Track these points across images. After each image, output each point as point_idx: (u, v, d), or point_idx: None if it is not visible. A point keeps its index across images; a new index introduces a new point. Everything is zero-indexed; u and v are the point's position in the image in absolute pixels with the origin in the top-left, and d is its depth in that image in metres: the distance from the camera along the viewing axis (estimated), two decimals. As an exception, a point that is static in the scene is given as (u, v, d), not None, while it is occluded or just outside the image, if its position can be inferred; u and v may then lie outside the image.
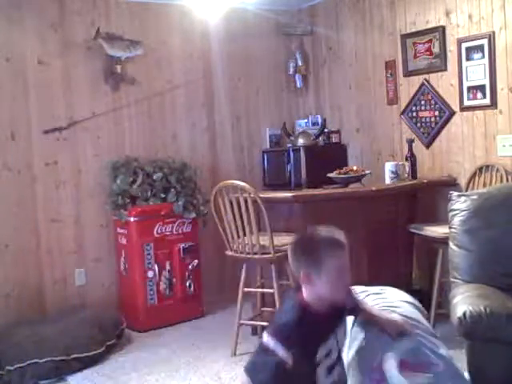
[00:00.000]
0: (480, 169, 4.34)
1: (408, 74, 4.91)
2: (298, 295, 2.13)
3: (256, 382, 2.03)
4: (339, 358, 2.23)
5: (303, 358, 2.03)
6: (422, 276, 4.83)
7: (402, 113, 4.98)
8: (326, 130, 5.52)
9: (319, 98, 5.83)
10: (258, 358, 2.11)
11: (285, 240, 4.06)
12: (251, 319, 4.32)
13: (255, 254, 3.95)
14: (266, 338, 2.07)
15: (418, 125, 4.86)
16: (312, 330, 2.06)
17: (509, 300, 2.76)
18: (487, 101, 4.34)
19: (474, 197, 3.19)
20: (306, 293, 2.11)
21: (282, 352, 2.00)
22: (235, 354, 4.04)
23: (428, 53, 4.72)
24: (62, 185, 4.75)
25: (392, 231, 4.42)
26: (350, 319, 2.44)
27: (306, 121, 5.85)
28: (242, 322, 4.07)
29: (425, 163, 4.80)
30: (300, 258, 2.13)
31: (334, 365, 2.16)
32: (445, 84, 4.64)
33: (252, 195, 3.88)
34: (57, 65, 4.72)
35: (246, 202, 3.87)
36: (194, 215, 4.84)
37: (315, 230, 2.19)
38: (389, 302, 2.54)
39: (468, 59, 4.43)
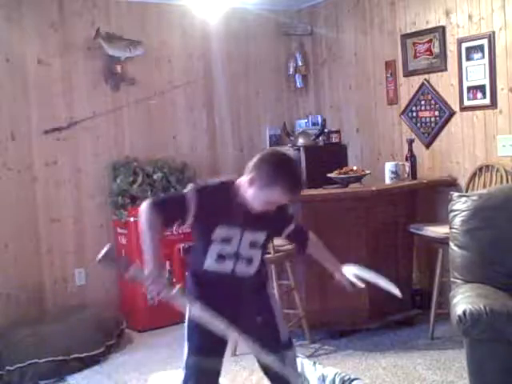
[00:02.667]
0: (480, 169, 4.34)
1: (408, 73, 4.91)
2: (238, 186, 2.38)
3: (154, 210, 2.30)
4: (240, 261, 2.41)
5: (201, 218, 2.32)
6: (422, 276, 4.84)
7: (402, 113, 4.98)
8: (325, 130, 5.52)
9: (319, 98, 5.83)
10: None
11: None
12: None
13: (255, 253, 3.95)
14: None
15: (418, 125, 4.86)
16: (222, 201, 2.33)
17: (509, 300, 2.76)
18: (487, 101, 4.34)
19: (475, 197, 3.19)
20: (238, 184, 2.37)
21: (189, 194, 2.31)
22: (235, 354, 4.04)
23: (428, 53, 4.72)
24: (62, 185, 4.76)
25: (392, 231, 4.42)
26: None
27: (306, 121, 5.85)
28: (242, 321, 4.05)
29: (425, 163, 4.80)
30: (263, 168, 2.32)
31: (227, 259, 2.38)
32: (445, 84, 4.64)
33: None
34: (57, 65, 4.72)
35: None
36: (193, 215, 4.83)
37: (293, 164, 2.44)
38: None
39: (468, 59, 4.43)
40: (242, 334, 2.32)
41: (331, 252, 2.63)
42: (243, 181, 2.36)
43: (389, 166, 4.56)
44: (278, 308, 2.62)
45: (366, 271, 2.57)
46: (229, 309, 2.36)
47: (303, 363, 3.50)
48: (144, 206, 2.30)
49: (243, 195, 2.34)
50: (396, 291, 2.49)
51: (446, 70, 4.62)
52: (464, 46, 4.45)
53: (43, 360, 3.84)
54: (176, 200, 2.41)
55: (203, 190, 2.36)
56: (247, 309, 2.46)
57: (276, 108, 5.89)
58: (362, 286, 2.51)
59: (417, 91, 4.84)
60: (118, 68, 4.90)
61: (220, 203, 2.34)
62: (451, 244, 3.16)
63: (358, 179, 4.50)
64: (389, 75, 5.07)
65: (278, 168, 2.32)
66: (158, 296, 2.24)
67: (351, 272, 2.55)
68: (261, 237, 2.44)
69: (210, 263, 2.39)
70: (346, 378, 3.26)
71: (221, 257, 2.38)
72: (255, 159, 2.36)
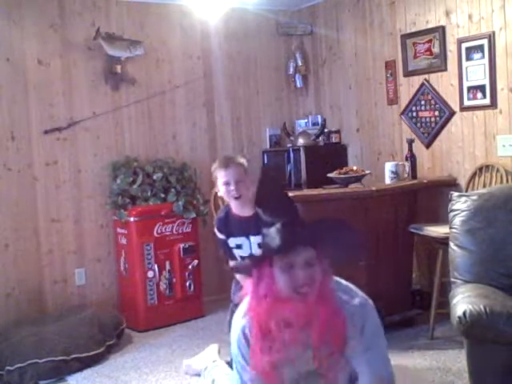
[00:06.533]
0: (480, 169, 4.34)
1: (408, 73, 4.91)
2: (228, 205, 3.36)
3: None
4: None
5: (223, 238, 3.33)
6: (422, 276, 4.84)
7: (402, 113, 4.98)
8: (325, 130, 5.52)
9: (319, 97, 5.83)
10: None
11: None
12: (251, 319, 4.33)
13: (255, 253, 3.99)
14: None
15: (418, 125, 4.87)
16: (226, 222, 3.29)
17: (509, 300, 2.76)
18: (487, 101, 4.34)
19: (475, 197, 3.19)
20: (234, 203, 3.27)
21: (218, 235, 3.36)
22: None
23: (428, 53, 4.72)
24: (62, 185, 4.75)
25: (392, 231, 4.42)
26: None
27: (306, 121, 5.85)
28: (242, 322, 4.07)
29: (425, 163, 4.80)
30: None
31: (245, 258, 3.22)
32: (445, 84, 4.64)
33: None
34: (57, 65, 4.72)
35: (246, 201, 3.87)
36: (193, 215, 4.84)
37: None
38: None
39: (468, 59, 4.43)
40: None
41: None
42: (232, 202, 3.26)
43: (389, 166, 4.56)
44: None
45: None
46: None
47: None
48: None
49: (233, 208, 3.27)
50: None
51: (445, 70, 4.62)
52: (464, 46, 4.45)
53: (43, 360, 3.83)
54: (221, 244, 3.39)
55: (216, 224, 3.36)
56: None
57: (276, 108, 5.89)
58: None
59: (417, 91, 4.84)
60: (118, 68, 4.90)
61: (225, 224, 3.28)
62: (451, 244, 3.16)
63: (358, 179, 4.50)
64: (389, 75, 5.07)
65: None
66: None
67: None
68: None
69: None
70: None
71: (242, 258, 3.22)
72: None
